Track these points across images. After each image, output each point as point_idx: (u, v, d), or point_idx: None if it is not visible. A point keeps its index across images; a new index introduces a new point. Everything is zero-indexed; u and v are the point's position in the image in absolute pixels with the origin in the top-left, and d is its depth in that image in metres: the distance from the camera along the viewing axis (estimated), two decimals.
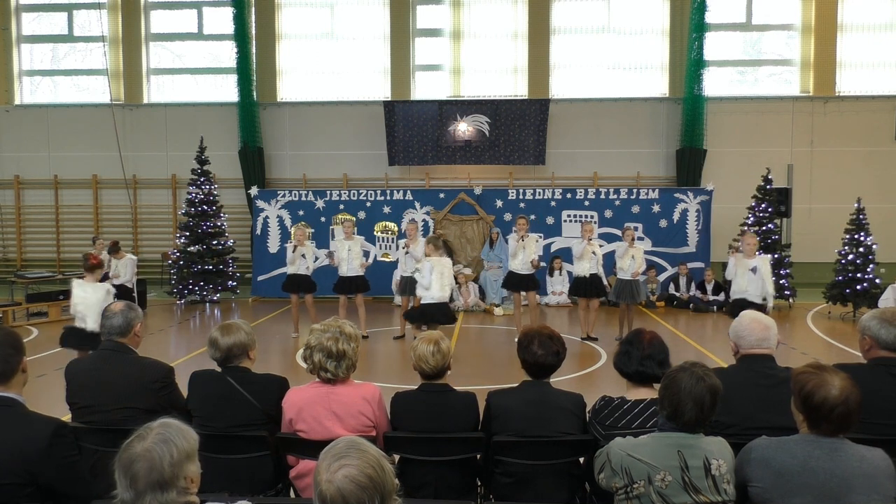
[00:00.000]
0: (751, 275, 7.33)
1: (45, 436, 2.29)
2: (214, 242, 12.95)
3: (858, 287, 11.00)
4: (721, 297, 11.95)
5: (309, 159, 15.10)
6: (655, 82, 14.79)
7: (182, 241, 12.95)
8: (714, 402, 2.27)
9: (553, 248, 12.89)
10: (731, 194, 13.49)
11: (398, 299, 9.96)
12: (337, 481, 1.51)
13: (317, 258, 9.50)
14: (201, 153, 13.07)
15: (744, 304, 7.03)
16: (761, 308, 6.91)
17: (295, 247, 9.20)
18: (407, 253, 9.02)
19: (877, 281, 10.98)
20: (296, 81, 15.30)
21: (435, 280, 7.41)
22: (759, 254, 7.44)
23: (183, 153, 14.49)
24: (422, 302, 7.59)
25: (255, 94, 14.80)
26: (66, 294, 11.28)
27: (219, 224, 13.12)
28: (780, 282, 11.92)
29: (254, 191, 13.48)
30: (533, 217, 12.09)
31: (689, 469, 2.20)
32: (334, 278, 9.32)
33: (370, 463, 1.54)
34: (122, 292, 10.36)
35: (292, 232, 13.06)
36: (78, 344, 6.20)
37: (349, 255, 9.11)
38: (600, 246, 9.54)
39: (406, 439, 3.02)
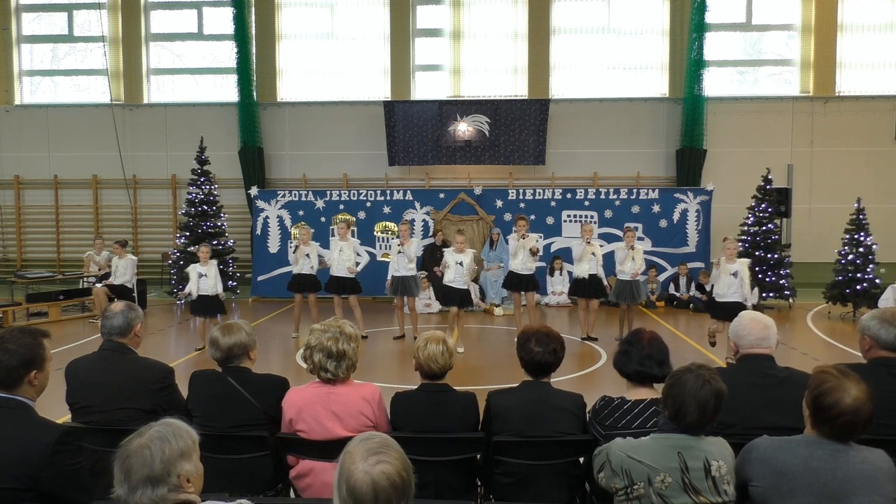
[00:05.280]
0: (732, 279, 7.56)
1: (50, 442, 2.26)
2: (214, 242, 12.93)
3: (858, 287, 11.00)
4: None
5: (309, 159, 15.11)
6: (655, 82, 14.79)
7: (182, 241, 12.94)
8: (718, 406, 2.25)
9: (553, 249, 12.89)
10: (731, 194, 13.50)
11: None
12: (374, 474, 1.52)
13: (321, 257, 9.53)
14: (201, 153, 13.06)
15: (724, 307, 7.47)
16: (740, 307, 7.02)
17: (296, 247, 9.23)
18: (400, 252, 9.05)
19: (877, 281, 10.98)
20: (296, 81, 15.30)
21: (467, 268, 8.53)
22: (739, 259, 7.77)
23: (183, 153, 14.49)
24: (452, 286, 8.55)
25: (254, 94, 14.80)
26: (66, 294, 11.33)
27: (219, 224, 13.12)
28: (780, 282, 11.93)
29: (254, 191, 13.48)
30: (533, 217, 12.09)
31: (689, 470, 2.20)
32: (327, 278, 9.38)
33: (404, 465, 1.57)
34: (121, 292, 10.39)
35: (293, 232, 13.07)
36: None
37: (340, 256, 9.14)
38: (600, 246, 9.54)
39: (406, 439, 3.01)
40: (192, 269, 8.63)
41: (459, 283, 8.48)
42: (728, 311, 7.39)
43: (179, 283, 12.83)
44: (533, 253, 8.78)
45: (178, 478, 1.72)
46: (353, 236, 9.53)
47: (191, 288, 8.51)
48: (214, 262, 8.76)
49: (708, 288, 8.45)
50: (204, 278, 8.50)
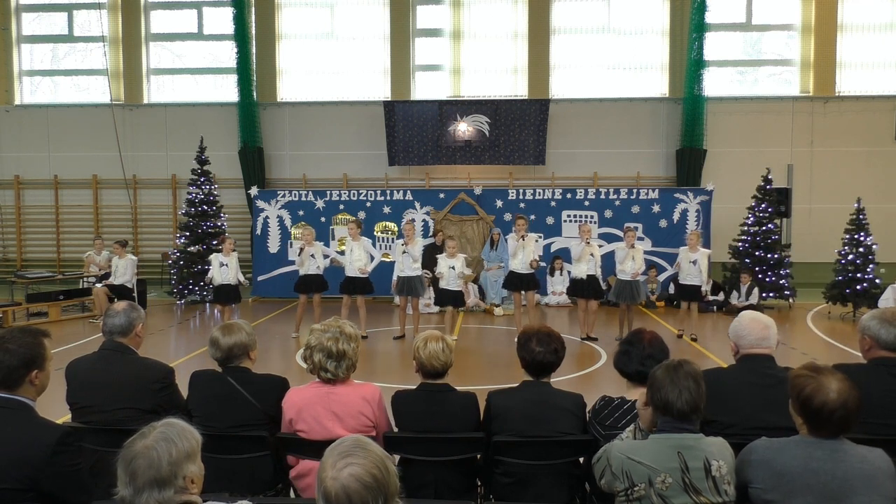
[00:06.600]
0: (692, 266, 8.93)
1: (50, 443, 2.26)
2: (214, 243, 12.93)
3: (858, 287, 10.99)
4: (720, 296, 11.96)
5: (309, 159, 15.10)
6: (655, 82, 14.79)
7: (182, 241, 12.94)
8: (699, 385, 2.28)
9: (553, 249, 12.89)
10: (731, 194, 13.49)
11: (397, 299, 9.96)
12: (342, 479, 1.51)
13: (326, 256, 9.53)
14: (201, 153, 13.06)
15: (686, 288, 9.05)
16: (698, 289, 9.00)
17: (301, 248, 9.21)
18: (405, 253, 9.05)
19: (877, 281, 10.97)
20: (296, 81, 15.29)
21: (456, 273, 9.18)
22: (701, 249, 9.11)
23: (183, 153, 14.49)
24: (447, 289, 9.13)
25: (254, 94, 14.79)
26: (66, 294, 11.33)
27: (219, 224, 13.11)
28: (780, 282, 11.93)
29: (254, 191, 13.47)
30: (533, 217, 12.09)
31: (689, 470, 2.20)
32: (341, 278, 9.37)
33: (375, 463, 1.54)
34: (121, 292, 10.39)
35: (293, 232, 13.07)
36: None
37: (352, 257, 9.15)
38: (599, 246, 9.56)
39: (406, 439, 3.02)
40: (215, 258, 9.23)
41: (453, 286, 9.07)
42: (688, 293, 9.03)
43: (179, 282, 12.85)
44: (533, 267, 8.87)
45: (183, 479, 1.71)
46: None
47: (213, 274, 9.11)
48: (235, 253, 9.38)
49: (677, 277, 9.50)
50: (225, 268, 9.10)
